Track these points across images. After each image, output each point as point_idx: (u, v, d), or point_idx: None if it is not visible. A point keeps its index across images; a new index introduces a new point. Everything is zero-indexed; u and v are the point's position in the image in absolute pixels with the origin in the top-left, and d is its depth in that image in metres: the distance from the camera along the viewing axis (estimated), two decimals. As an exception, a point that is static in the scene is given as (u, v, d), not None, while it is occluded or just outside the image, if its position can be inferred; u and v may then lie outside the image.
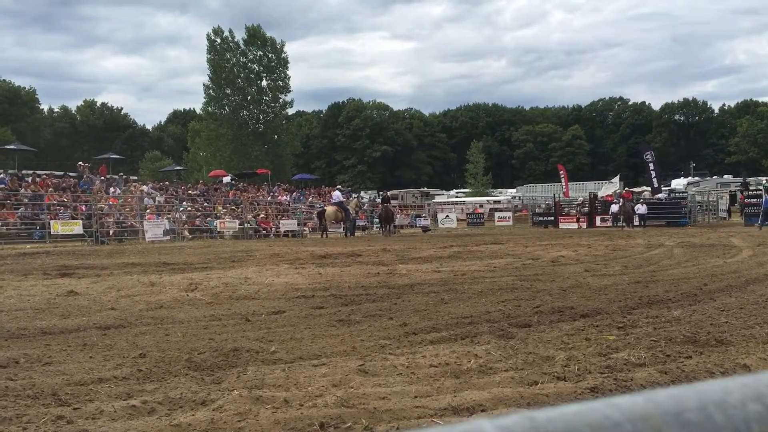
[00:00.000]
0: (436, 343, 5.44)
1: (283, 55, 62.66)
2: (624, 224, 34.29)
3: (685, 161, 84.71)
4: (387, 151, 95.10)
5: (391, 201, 37.73)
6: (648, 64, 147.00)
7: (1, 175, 29.60)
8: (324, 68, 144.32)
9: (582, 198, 45.97)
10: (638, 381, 4.02)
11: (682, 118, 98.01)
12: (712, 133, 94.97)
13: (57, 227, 24.86)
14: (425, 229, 39.48)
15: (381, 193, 42.18)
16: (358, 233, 33.54)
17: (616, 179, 46.79)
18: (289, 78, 63.08)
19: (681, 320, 6.15)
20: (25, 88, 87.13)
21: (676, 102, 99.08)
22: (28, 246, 22.66)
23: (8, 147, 48.38)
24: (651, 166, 42.12)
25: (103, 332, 6.19)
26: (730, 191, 50.85)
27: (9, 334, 6.08)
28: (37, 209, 26.32)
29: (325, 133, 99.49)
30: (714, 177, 67.27)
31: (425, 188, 78.12)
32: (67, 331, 6.23)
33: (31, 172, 33.79)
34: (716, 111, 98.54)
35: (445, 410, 3.53)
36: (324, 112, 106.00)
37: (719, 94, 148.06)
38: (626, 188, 43.16)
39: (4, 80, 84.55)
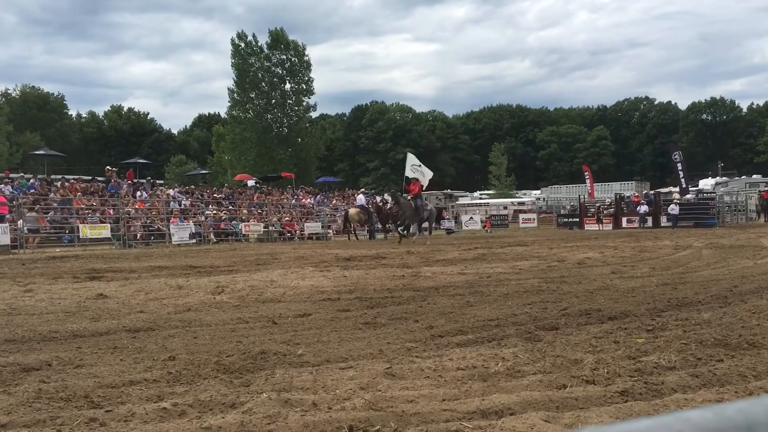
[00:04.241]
0: (463, 346, 5.42)
1: (306, 58, 62.99)
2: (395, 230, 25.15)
3: (713, 161, 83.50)
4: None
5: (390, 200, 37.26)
6: (674, 63, 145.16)
7: (31, 180, 30.13)
8: (347, 71, 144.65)
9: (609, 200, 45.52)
10: (669, 385, 3.96)
11: (709, 118, 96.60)
12: (740, 133, 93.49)
13: (85, 231, 25.21)
14: (449, 231, 39.41)
15: (388, 192, 42.07)
16: (380, 236, 33.58)
17: (425, 169, 29.80)
18: (313, 81, 63.41)
19: (711, 323, 6.06)
20: (53, 94, 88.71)
21: (703, 101, 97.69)
22: (57, 250, 23.02)
23: (38, 152, 49.42)
24: (679, 166, 41.65)
25: (133, 335, 6.26)
26: (759, 191, 50.04)
27: (41, 337, 6.17)
28: (66, 213, 26.72)
29: (349, 135, 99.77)
30: (743, 177, 66.17)
31: (448, 190, 77.92)
32: (98, 334, 6.31)
33: (60, 176, 34.34)
34: (744, 110, 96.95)
35: (473, 413, 3.52)
36: (347, 114, 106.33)
37: (747, 92, 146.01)
38: (414, 179, 26.86)
39: (33, 87, 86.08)
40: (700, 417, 0.57)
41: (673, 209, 35.83)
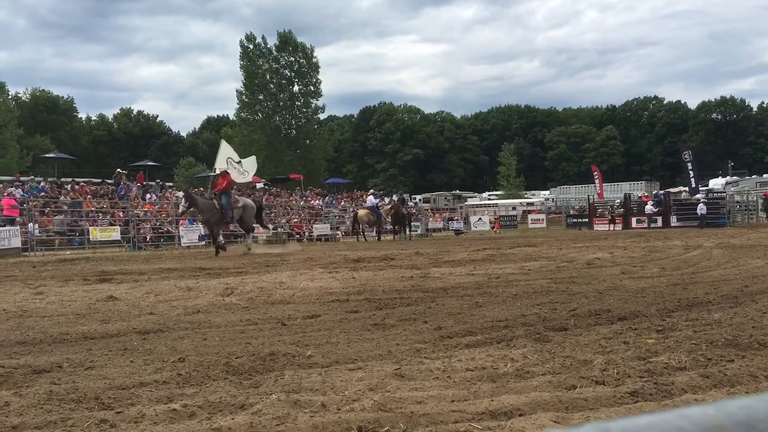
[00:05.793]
0: (472, 347, 5.41)
1: (314, 60, 63.11)
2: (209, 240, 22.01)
3: (723, 160, 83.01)
4: (419, 154, 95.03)
5: (405, 203, 37.48)
6: (684, 62, 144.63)
7: (42, 183, 30.31)
8: (355, 72, 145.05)
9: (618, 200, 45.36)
10: (679, 385, 3.94)
11: (719, 117, 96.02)
12: (750, 132, 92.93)
13: (96, 233, 25.35)
14: (458, 231, 39.38)
15: (397, 194, 42.21)
16: (387, 237, 33.60)
17: (250, 161, 25.14)
18: (321, 83, 63.56)
19: (722, 323, 6.02)
20: (63, 97, 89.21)
21: (713, 100, 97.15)
22: (68, 252, 23.15)
23: (48, 155, 49.73)
24: (689, 166, 41.46)
25: (143, 337, 6.28)
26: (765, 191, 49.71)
27: (52, 339, 6.21)
28: (77, 216, 26.87)
29: (357, 137, 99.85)
30: (753, 176, 65.68)
31: (457, 191, 77.88)
32: (108, 336, 6.34)
33: (70, 179, 34.51)
34: (755, 109, 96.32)
35: (482, 414, 3.51)
36: (355, 116, 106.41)
37: (758, 91, 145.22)
38: (224, 172, 21.26)
39: (43, 90, 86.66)
40: (701, 413, 0.57)
41: (702, 209, 35.63)
